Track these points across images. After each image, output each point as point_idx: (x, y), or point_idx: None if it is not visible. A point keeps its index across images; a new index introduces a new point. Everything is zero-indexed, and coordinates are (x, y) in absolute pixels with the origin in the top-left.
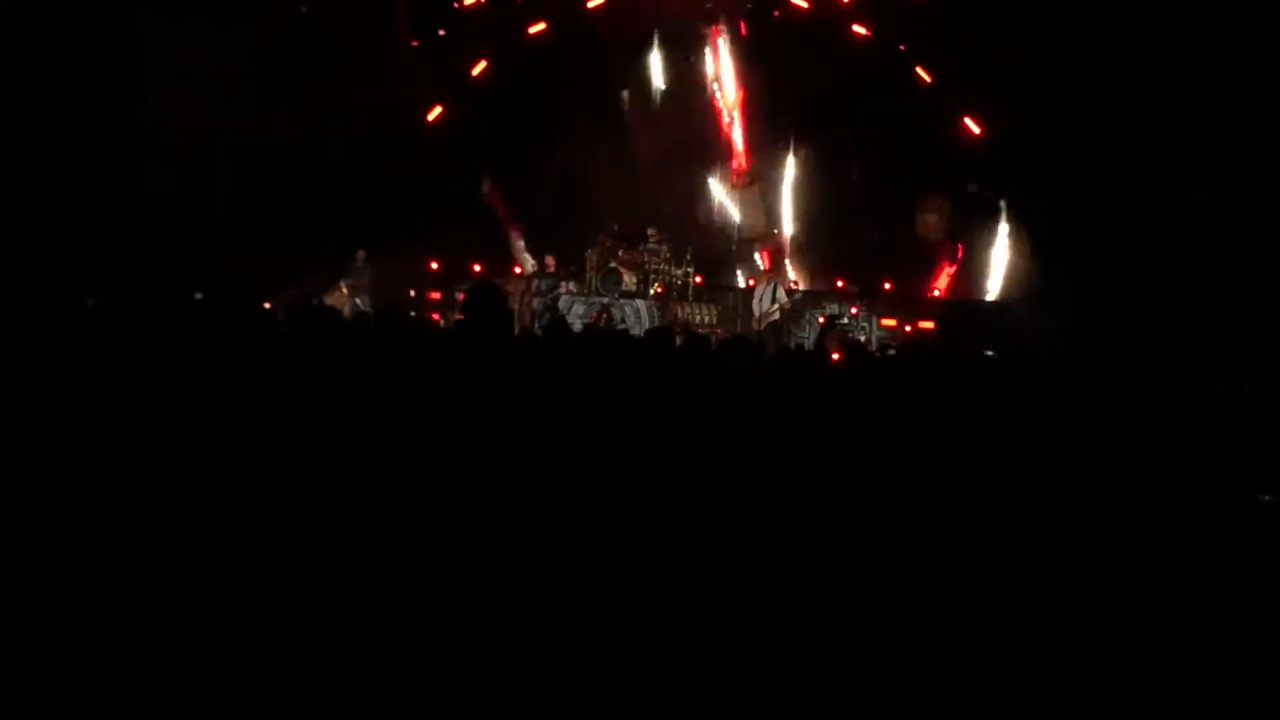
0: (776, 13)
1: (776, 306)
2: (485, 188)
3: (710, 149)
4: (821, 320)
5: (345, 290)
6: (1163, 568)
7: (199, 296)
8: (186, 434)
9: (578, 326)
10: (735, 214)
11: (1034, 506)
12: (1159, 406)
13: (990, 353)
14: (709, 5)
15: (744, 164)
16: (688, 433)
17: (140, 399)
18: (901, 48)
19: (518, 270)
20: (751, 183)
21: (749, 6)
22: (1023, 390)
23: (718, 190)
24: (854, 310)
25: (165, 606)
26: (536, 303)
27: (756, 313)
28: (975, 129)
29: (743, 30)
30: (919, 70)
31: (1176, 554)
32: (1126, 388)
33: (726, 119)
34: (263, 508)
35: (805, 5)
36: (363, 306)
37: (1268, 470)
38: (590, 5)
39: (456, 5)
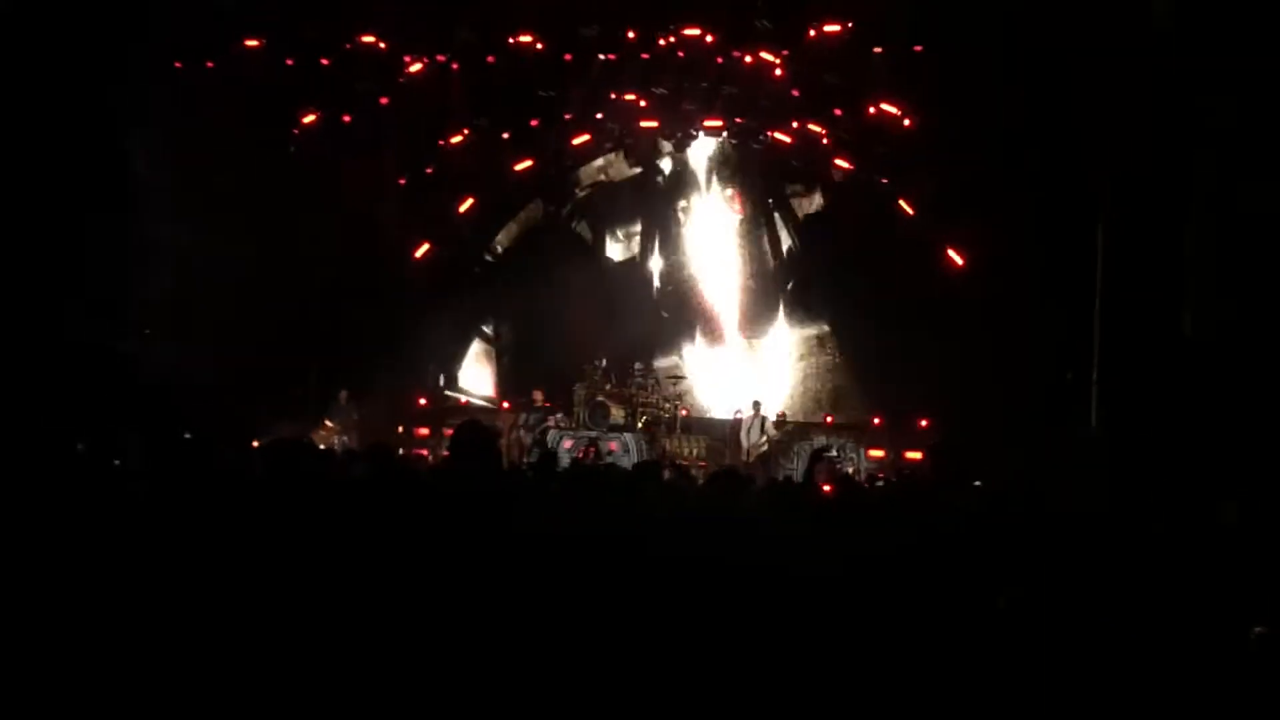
0: (760, 140)
1: (765, 439)
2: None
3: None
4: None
5: (330, 428)
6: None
7: (187, 436)
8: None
9: (566, 460)
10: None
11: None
12: (1156, 540)
13: (979, 483)
14: (694, 133)
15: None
16: (673, 572)
17: (133, 544)
18: (884, 181)
19: (505, 405)
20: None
21: (734, 142)
22: (1011, 521)
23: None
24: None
25: None
26: (525, 437)
27: (745, 445)
28: (958, 260)
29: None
30: (901, 203)
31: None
32: (1119, 518)
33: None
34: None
35: (788, 140)
36: (350, 444)
37: (1261, 601)
38: (575, 143)
39: (442, 143)
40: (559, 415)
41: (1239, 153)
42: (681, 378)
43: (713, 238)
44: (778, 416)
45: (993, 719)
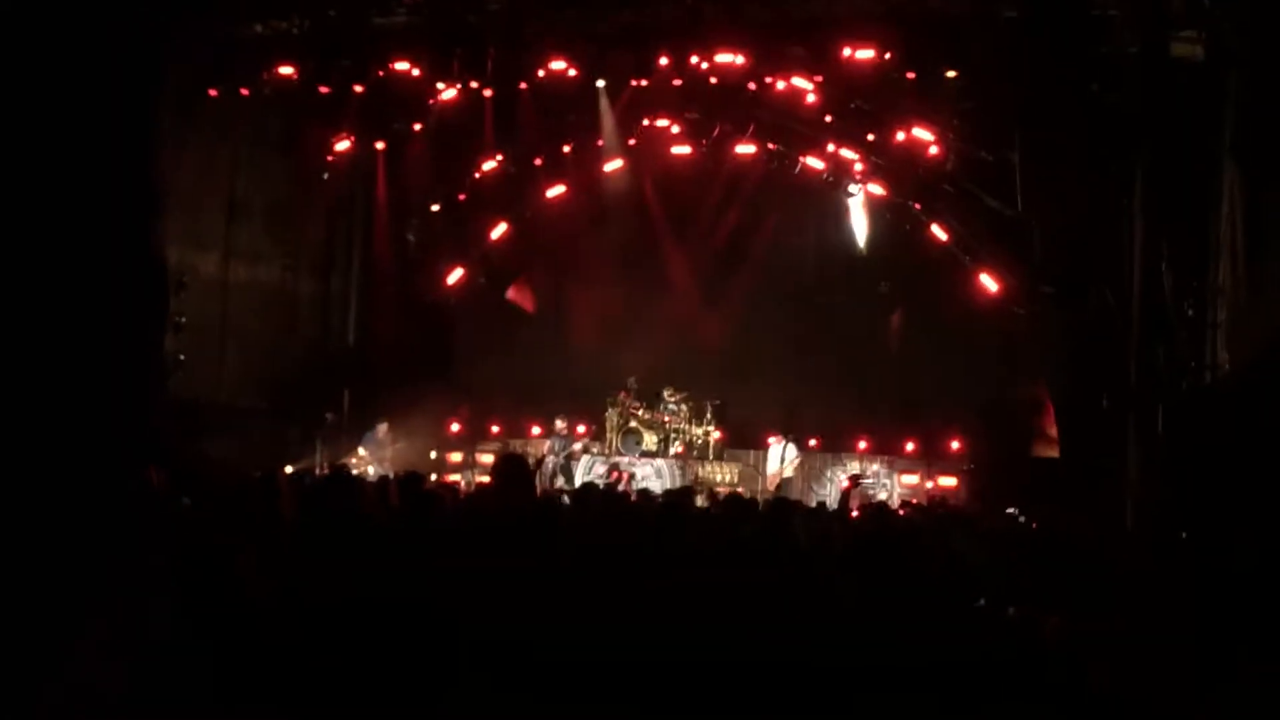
0: (796, 171)
1: (783, 464)
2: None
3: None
4: (847, 481)
5: (362, 457)
6: None
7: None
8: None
9: (600, 486)
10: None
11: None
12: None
13: (1013, 510)
14: (724, 167)
15: None
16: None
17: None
18: (917, 206)
19: (535, 431)
20: None
21: (773, 165)
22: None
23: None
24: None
25: None
26: (549, 461)
27: (770, 472)
28: (993, 286)
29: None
30: (933, 229)
31: None
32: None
33: None
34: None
35: (821, 165)
36: (382, 471)
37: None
38: (607, 170)
39: (475, 170)
40: (587, 440)
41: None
42: (718, 402)
43: (744, 259)
44: (806, 441)
45: None
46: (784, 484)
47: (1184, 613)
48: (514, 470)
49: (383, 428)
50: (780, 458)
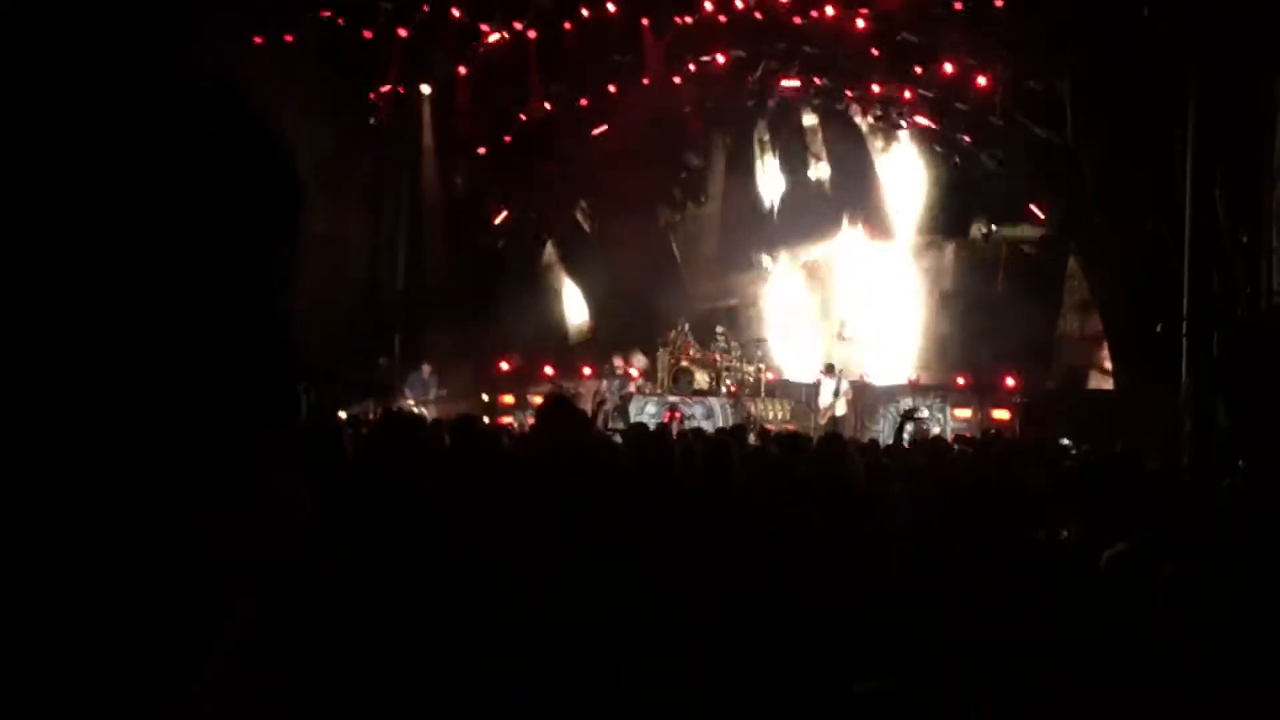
0: (843, 106)
1: (834, 401)
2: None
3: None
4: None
5: (412, 403)
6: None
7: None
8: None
9: (651, 425)
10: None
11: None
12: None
13: (1067, 441)
14: (771, 103)
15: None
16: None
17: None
18: (966, 138)
19: (587, 371)
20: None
21: (816, 103)
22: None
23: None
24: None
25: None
26: (609, 404)
27: (821, 406)
28: (1041, 215)
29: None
30: (982, 159)
31: None
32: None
33: None
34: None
35: (869, 99)
36: (428, 414)
37: None
38: (653, 109)
39: (522, 113)
40: (641, 381)
41: None
42: (763, 340)
43: (794, 199)
44: (859, 378)
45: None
46: (836, 420)
47: (1238, 540)
48: (560, 412)
49: (426, 369)
50: (833, 393)
